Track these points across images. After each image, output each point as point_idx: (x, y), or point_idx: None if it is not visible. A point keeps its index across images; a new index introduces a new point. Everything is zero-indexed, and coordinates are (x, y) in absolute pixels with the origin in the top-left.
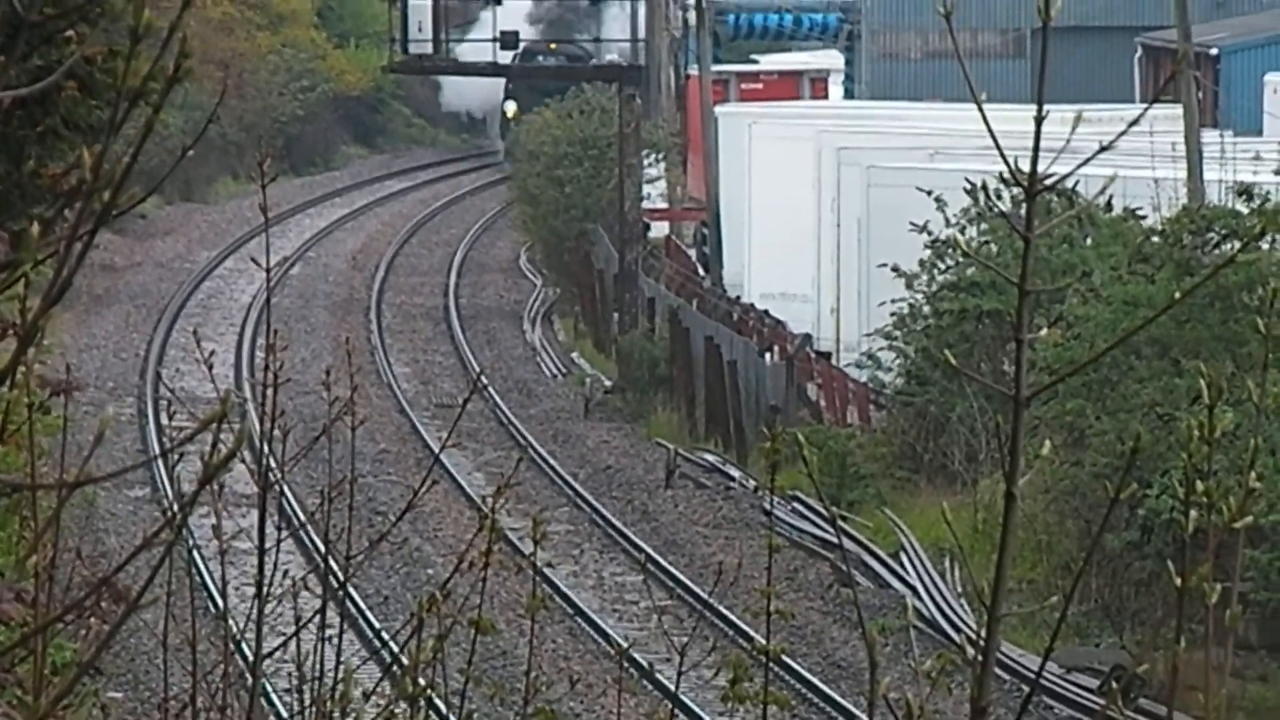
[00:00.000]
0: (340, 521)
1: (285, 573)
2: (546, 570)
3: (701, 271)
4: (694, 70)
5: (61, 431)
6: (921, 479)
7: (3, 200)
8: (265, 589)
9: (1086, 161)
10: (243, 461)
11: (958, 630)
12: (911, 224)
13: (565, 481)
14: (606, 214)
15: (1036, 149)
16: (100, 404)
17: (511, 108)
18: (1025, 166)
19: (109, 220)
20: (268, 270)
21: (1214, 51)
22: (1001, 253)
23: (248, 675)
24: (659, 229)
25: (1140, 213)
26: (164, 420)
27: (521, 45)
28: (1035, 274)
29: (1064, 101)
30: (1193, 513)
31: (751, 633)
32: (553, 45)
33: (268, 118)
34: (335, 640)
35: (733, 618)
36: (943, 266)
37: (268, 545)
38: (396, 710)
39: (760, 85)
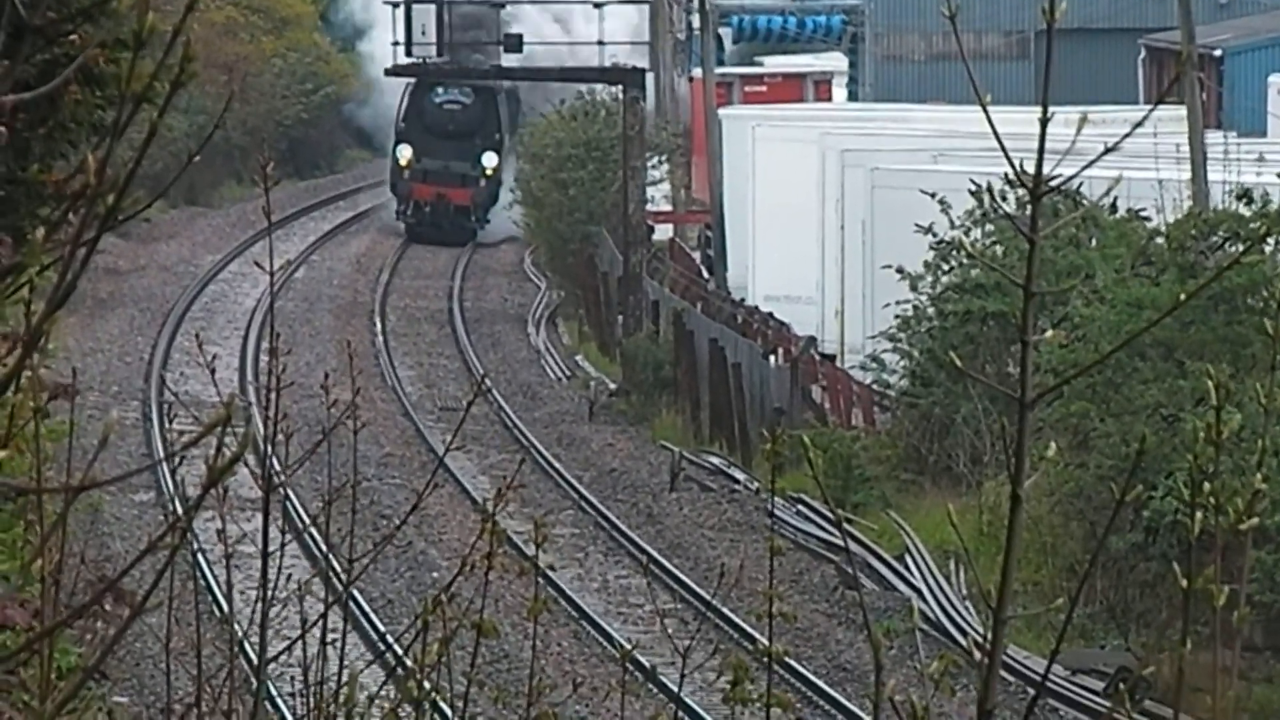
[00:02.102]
0: (344, 525)
1: (289, 576)
2: (551, 573)
3: (705, 274)
4: (698, 72)
5: (67, 436)
6: (926, 481)
7: (8, 201)
8: (269, 593)
9: (1092, 163)
10: (246, 465)
11: (963, 633)
12: (916, 225)
13: (570, 484)
14: (610, 217)
15: (1041, 151)
16: (105, 408)
17: (406, 153)
18: (1029, 168)
19: (113, 225)
20: (271, 274)
21: (1218, 53)
22: (1006, 254)
23: (252, 679)
24: (663, 231)
25: (1144, 214)
26: (168, 424)
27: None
28: (1040, 276)
29: (1068, 103)
30: (1198, 514)
31: (755, 634)
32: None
33: (271, 121)
34: (339, 644)
35: (737, 620)
36: (947, 268)
37: (272, 549)
38: (401, 713)
39: (764, 88)
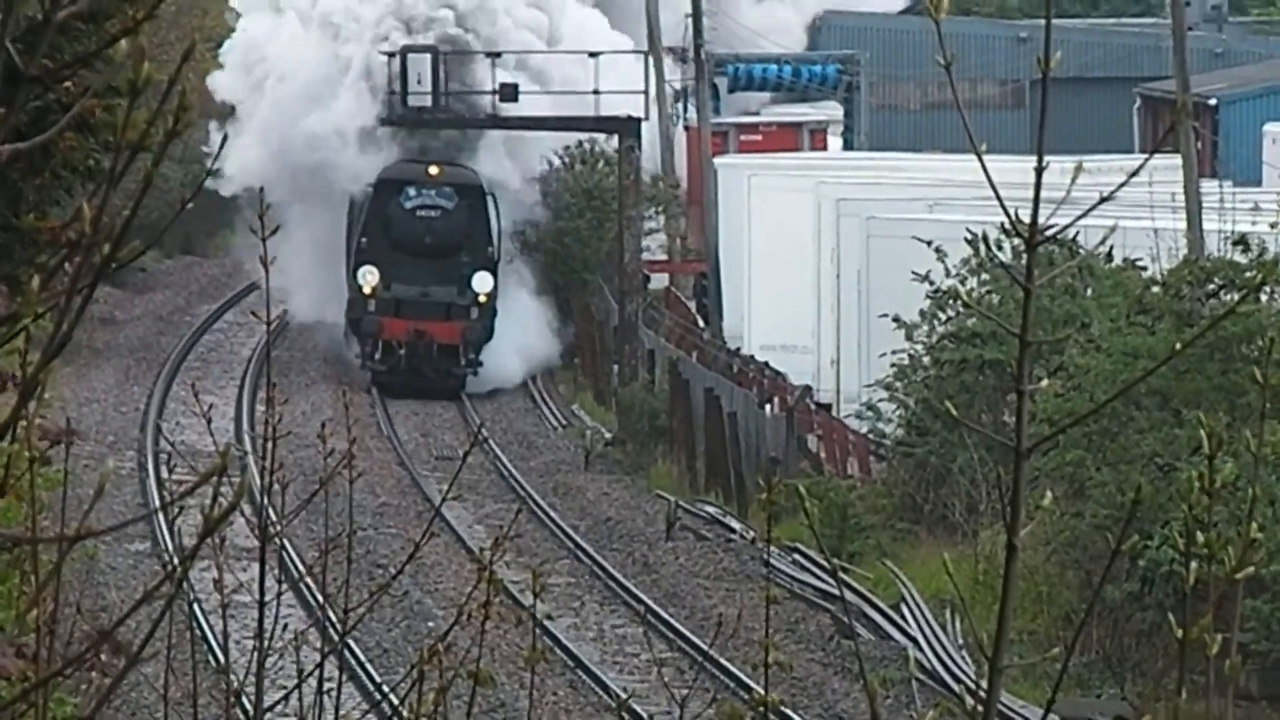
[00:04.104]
0: (340, 574)
1: (286, 626)
2: (547, 622)
3: (701, 323)
4: (693, 120)
5: (62, 485)
6: (922, 530)
7: (2, 248)
8: (266, 642)
9: (1087, 213)
10: (243, 515)
11: (959, 681)
12: (912, 274)
13: (566, 534)
14: (606, 266)
15: (1037, 200)
16: (100, 458)
17: (370, 278)
18: (1025, 217)
19: (108, 274)
20: (268, 323)
21: (1212, 102)
22: (1002, 303)
23: None
24: (659, 280)
25: (1140, 263)
26: (164, 474)
27: (381, 170)
28: (1036, 325)
29: (1063, 152)
30: (1193, 564)
31: (751, 684)
32: (434, 170)
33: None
34: (335, 694)
35: (733, 669)
36: (943, 317)
37: (268, 598)
38: None
39: (759, 137)
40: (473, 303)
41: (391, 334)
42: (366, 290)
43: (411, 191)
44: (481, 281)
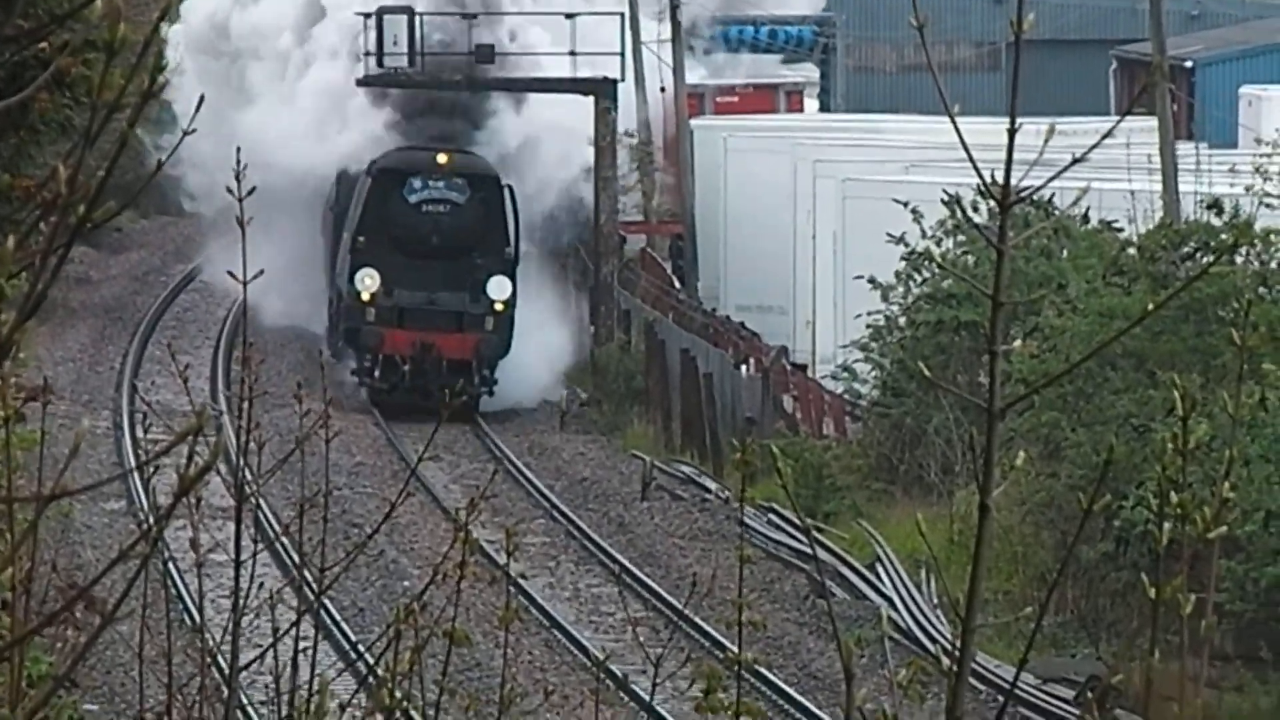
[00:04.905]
0: (316, 533)
1: (261, 585)
2: (522, 582)
3: (677, 284)
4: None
5: (38, 444)
6: (897, 490)
7: None
8: (241, 601)
9: (1060, 174)
10: (218, 474)
11: (933, 641)
12: (888, 236)
13: (541, 493)
14: (582, 227)
15: (1009, 161)
16: (76, 417)
17: (369, 282)
18: (1000, 179)
19: (84, 233)
20: (245, 283)
21: (1189, 64)
22: (978, 264)
23: (224, 687)
24: (635, 241)
25: (1116, 225)
26: (140, 433)
27: (378, 158)
28: (1012, 286)
29: (1039, 114)
30: (1167, 524)
31: (726, 643)
32: (443, 158)
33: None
34: (311, 652)
35: (708, 628)
36: (919, 279)
37: (244, 558)
38: None
39: (735, 98)
40: (488, 311)
41: (394, 347)
42: (365, 297)
43: (416, 183)
44: (498, 287)
